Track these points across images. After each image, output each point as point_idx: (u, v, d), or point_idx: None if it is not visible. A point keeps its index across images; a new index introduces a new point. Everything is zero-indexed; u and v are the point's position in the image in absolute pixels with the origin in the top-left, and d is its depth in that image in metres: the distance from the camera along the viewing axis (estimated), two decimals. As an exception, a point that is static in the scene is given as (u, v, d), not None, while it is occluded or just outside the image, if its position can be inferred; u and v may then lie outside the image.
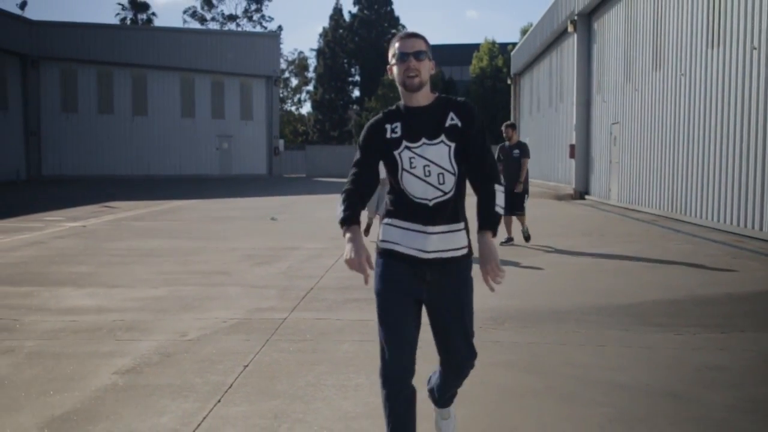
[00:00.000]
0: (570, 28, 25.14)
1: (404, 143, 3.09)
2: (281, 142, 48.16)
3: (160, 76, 42.59)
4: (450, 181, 3.07)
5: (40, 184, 35.43)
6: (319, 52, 76.90)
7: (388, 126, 3.15)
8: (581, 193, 24.55)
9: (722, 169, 13.74)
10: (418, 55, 3.09)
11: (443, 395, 3.39)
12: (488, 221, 3.07)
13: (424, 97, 3.14)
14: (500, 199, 3.12)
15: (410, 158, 3.08)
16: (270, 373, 4.94)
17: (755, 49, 12.44)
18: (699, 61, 14.97)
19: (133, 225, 15.64)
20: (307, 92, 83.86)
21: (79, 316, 6.71)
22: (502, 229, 11.05)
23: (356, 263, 2.94)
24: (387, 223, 3.17)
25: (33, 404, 4.34)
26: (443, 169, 3.07)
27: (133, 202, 22.69)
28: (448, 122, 3.10)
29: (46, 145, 39.49)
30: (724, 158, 13.68)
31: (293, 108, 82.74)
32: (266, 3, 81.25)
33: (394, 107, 3.23)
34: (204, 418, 4.13)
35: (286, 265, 9.85)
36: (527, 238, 11.76)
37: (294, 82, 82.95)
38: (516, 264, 9.77)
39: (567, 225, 15.44)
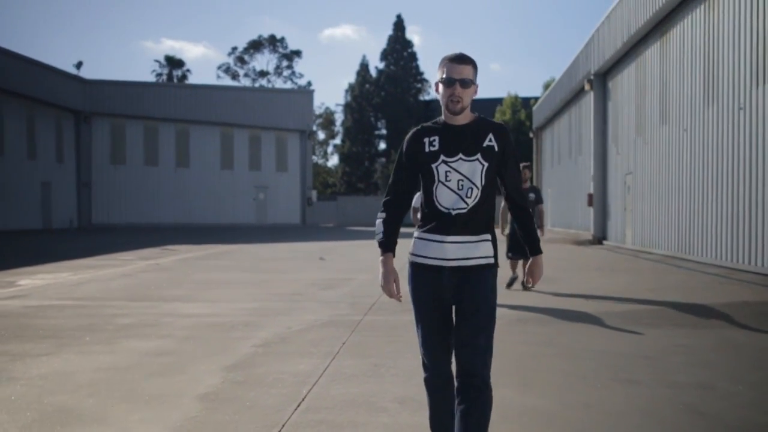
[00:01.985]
0: (587, 87, 27.38)
1: (442, 157, 3.35)
2: (314, 192, 50.57)
3: (201, 130, 45.34)
4: (475, 196, 3.32)
5: (92, 231, 37.86)
6: (347, 106, 79.70)
7: (426, 139, 3.39)
8: (599, 238, 26.46)
9: (718, 212, 15.68)
10: (463, 83, 3.33)
11: None
12: (533, 247, 3.57)
13: (464, 117, 3.40)
14: (529, 224, 3.58)
15: (446, 171, 3.33)
16: (362, 347, 6.97)
17: (741, 108, 14.51)
18: (698, 118, 17.04)
19: (199, 263, 17.78)
20: (334, 145, 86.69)
21: (201, 319, 8.79)
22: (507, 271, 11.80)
23: (386, 290, 3.49)
24: (415, 237, 3.47)
25: (207, 360, 6.40)
26: (473, 184, 3.32)
27: (188, 246, 24.89)
28: (486, 143, 3.36)
29: (97, 195, 42.14)
30: (720, 203, 15.64)
31: (320, 160, 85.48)
32: (297, 60, 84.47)
33: (433, 122, 3.49)
34: (328, 365, 6.17)
35: (348, 289, 11.91)
36: (527, 288, 11.00)
37: (321, 135, 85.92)
38: (529, 288, 11.74)
39: (583, 264, 17.40)
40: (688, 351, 6.73)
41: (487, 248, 3.38)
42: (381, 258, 3.49)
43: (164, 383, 5.59)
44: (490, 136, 3.36)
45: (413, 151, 3.42)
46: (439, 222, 3.34)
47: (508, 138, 3.41)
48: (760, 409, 4.89)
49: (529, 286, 3.67)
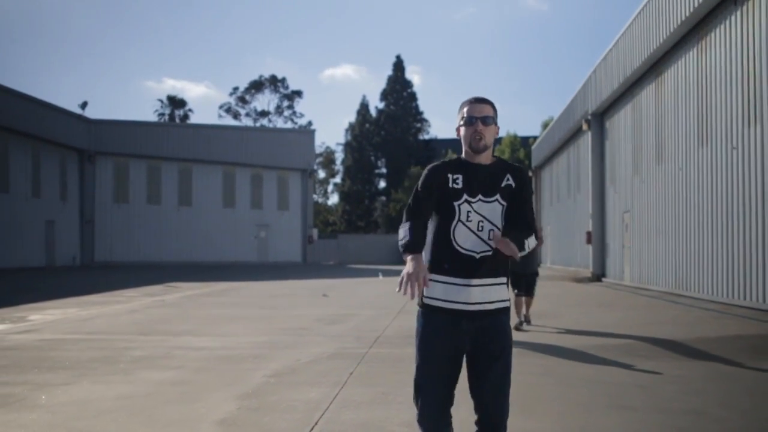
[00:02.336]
0: (584, 127, 27.88)
1: (465, 196, 3.30)
2: (315, 231, 50.95)
3: (203, 169, 45.86)
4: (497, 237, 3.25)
5: (95, 269, 38.13)
6: (347, 146, 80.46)
7: (450, 175, 3.34)
8: (598, 275, 26.76)
9: (714, 249, 16.02)
10: (485, 120, 3.33)
11: None
12: (512, 236, 3.24)
13: (486, 158, 3.37)
14: (531, 243, 3.34)
15: (468, 212, 3.28)
16: (369, 377, 7.26)
17: (734, 148, 14.92)
18: (692, 158, 17.46)
19: (203, 300, 18.05)
20: (334, 184, 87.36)
21: (211, 352, 9.07)
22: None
23: (414, 275, 3.12)
24: (430, 280, 3.30)
25: (221, 390, 6.69)
26: (494, 225, 3.28)
27: (191, 283, 25.14)
28: (504, 182, 3.33)
29: (99, 233, 42.49)
30: (715, 240, 15.98)
31: (320, 199, 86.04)
32: (297, 100, 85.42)
33: (455, 158, 3.44)
34: (337, 393, 6.46)
35: (352, 324, 12.20)
36: (528, 321, 11.65)
37: (321, 174, 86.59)
38: (528, 322, 12.03)
39: (582, 300, 17.69)
40: (680, 380, 7.02)
41: (504, 291, 3.35)
42: (410, 257, 3.21)
43: (182, 410, 5.87)
44: (508, 175, 3.34)
45: (434, 184, 3.34)
46: (461, 264, 3.26)
47: (525, 178, 3.40)
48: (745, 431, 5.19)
49: (504, 249, 3.21)
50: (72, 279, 28.16)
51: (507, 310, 3.37)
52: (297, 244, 49.17)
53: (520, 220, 3.35)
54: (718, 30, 15.83)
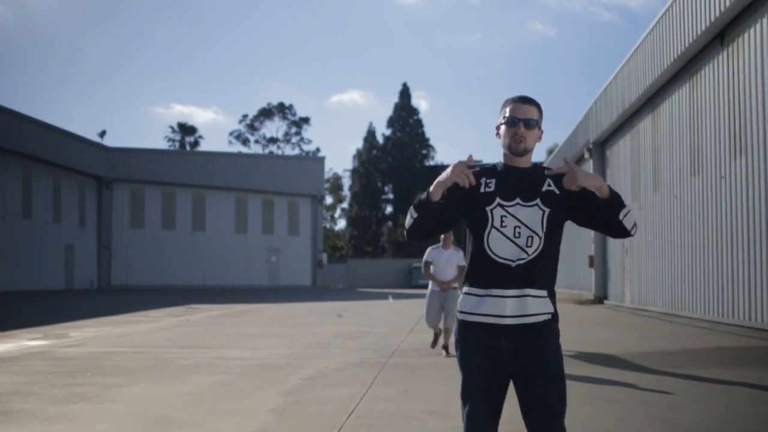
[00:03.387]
0: (586, 155, 29.08)
1: (498, 200, 3.06)
2: (324, 255, 52.13)
3: (216, 195, 47.19)
4: (536, 245, 3.03)
5: (112, 292, 39.30)
6: (354, 172, 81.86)
7: (483, 179, 3.11)
8: (600, 298, 27.80)
9: (705, 272, 17.08)
10: (528, 123, 3.09)
11: None
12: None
13: (526, 162, 3.15)
14: (630, 214, 3.07)
15: (502, 216, 3.04)
16: (392, 380, 8.36)
17: (723, 178, 16.06)
18: (686, 186, 18.59)
19: (226, 320, 19.16)
20: (342, 209, 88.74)
21: (248, 361, 10.17)
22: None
23: (458, 168, 2.97)
24: (465, 293, 3.12)
25: (265, 389, 7.79)
26: (533, 232, 3.03)
27: (210, 305, 26.27)
28: (545, 188, 3.09)
29: (116, 258, 43.78)
30: (706, 263, 17.05)
31: (328, 224, 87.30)
32: (305, 126, 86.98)
33: (491, 165, 3.22)
34: (366, 391, 7.56)
35: (370, 339, 13.30)
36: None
37: (329, 199, 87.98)
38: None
39: (583, 320, 18.75)
40: (663, 382, 8.11)
41: (547, 304, 3.07)
42: (436, 181, 3.06)
43: (237, 403, 6.98)
44: (549, 181, 3.10)
45: (468, 187, 3.04)
46: (495, 274, 3.03)
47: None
48: (711, 419, 6.27)
49: (571, 176, 2.98)
50: (93, 301, 29.30)
51: (552, 325, 3.08)
52: (307, 268, 50.35)
53: (596, 216, 3.11)
54: (707, 68, 17.02)
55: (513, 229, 3.03)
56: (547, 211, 3.06)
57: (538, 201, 3.06)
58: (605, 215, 3.04)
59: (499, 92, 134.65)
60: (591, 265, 28.58)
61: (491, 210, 3.06)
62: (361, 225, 79.80)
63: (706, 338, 13.08)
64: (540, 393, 2.99)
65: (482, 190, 3.09)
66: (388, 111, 79.30)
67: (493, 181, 3.11)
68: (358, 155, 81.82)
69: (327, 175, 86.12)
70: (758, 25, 14.40)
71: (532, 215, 3.04)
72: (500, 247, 3.03)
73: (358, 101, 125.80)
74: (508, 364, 3.02)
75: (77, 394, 7.47)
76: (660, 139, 20.79)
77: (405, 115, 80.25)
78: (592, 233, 28.44)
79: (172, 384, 8.16)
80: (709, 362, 9.88)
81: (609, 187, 3.00)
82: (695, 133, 17.89)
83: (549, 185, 3.09)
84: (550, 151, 60.26)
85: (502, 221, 3.04)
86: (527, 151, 3.12)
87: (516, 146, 3.09)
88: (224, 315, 20.97)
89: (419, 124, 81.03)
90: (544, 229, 3.04)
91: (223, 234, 47.29)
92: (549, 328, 3.07)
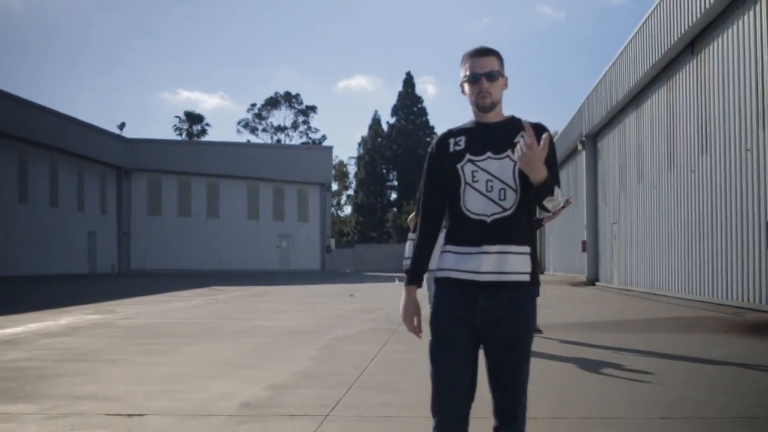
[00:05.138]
0: (579, 147, 31.11)
1: (467, 156, 3.01)
2: (332, 241, 54.35)
3: (230, 184, 49.39)
4: (511, 198, 2.95)
5: (132, 276, 41.51)
6: (359, 159, 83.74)
7: (451, 140, 3.07)
8: (592, 280, 29.88)
9: (679, 255, 19.15)
10: (490, 76, 3.01)
11: None
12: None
13: (496, 115, 3.07)
14: (557, 199, 2.94)
15: (473, 171, 2.99)
16: (402, 340, 10.44)
17: (693, 172, 18.11)
18: (663, 178, 20.64)
19: (250, 299, 21.27)
20: (348, 196, 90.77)
21: (281, 329, 12.27)
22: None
23: (406, 322, 3.14)
24: (443, 251, 3.08)
25: (302, 346, 9.87)
26: (505, 184, 2.95)
27: (230, 287, 28.40)
28: (518, 138, 2.91)
29: (135, 244, 46.06)
30: (681, 247, 19.11)
31: (334, 211, 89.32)
32: (312, 114, 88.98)
33: (462, 124, 3.15)
34: (382, 346, 9.64)
35: (381, 313, 15.40)
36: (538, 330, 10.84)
37: (335, 186, 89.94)
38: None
39: (573, 298, 20.84)
40: (622, 339, 10.21)
41: (527, 262, 2.97)
42: (404, 289, 3.13)
43: (282, 354, 9.09)
44: (523, 132, 2.90)
45: (438, 158, 3.09)
46: (471, 231, 2.97)
47: (544, 133, 2.91)
48: (649, 365, 8.35)
49: (525, 150, 2.81)
50: (121, 284, 31.46)
51: (530, 288, 3.00)
52: (316, 254, 52.60)
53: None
54: (680, 74, 19.03)
55: (485, 184, 2.98)
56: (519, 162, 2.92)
57: (509, 152, 2.96)
58: (533, 193, 2.94)
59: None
60: (583, 249, 30.64)
61: (462, 167, 3.01)
62: (367, 212, 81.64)
63: (670, 311, 15.18)
64: (513, 362, 2.96)
65: (452, 149, 3.06)
66: (395, 96, 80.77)
67: (463, 138, 3.07)
68: (364, 143, 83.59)
69: (333, 162, 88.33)
70: (722, 37, 16.40)
71: (504, 168, 2.97)
72: (473, 203, 2.98)
73: (365, 87, 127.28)
74: (480, 321, 2.95)
75: (154, 350, 9.57)
76: (643, 136, 22.80)
77: (409, 103, 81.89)
78: (585, 220, 30.50)
79: (225, 344, 10.26)
80: (665, 327, 11.98)
81: (548, 176, 2.86)
82: (671, 132, 19.91)
83: (522, 136, 2.90)
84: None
85: (473, 176, 2.99)
86: (495, 105, 3.05)
87: (483, 102, 3.03)
88: (246, 295, 23.08)
89: (423, 112, 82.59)
90: (517, 182, 2.95)
91: (236, 221, 49.49)
92: (526, 289, 2.98)
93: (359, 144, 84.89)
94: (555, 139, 41.37)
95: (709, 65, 17.17)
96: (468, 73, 3.05)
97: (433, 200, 3.12)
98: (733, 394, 6.51)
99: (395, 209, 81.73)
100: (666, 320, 13.43)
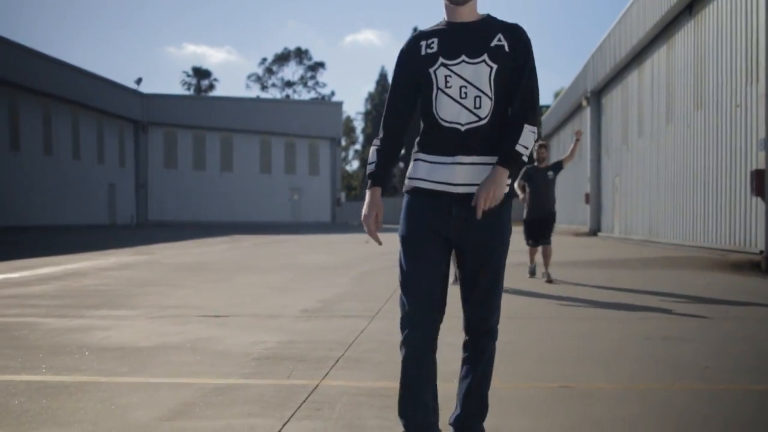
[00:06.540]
0: (584, 103, 32.29)
1: (440, 60, 2.81)
2: (342, 194, 55.79)
3: (243, 138, 50.67)
4: (486, 106, 2.80)
5: (151, 227, 43.05)
6: (367, 114, 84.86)
7: (423, 42, 2.86)
8: (594, 231, 31.29)
9: (674, 204, 20.52)
10: None
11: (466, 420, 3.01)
12: (504, 157, 2.78)
13: (470, 13, 2.87)
14: (526, 139, 2.79)
15: (446, 76, 2.80)
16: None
17: (689, 126, 19.39)
18: (662, 133, 21.93)
19: (272, 246, 22.69)
20: (355, 151, 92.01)
21: (312, 265, 13.68)
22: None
23: (365, 223, 2.97)
24: (415, 159, 2.95)
25: (336, 277, 11.31)
26: (481, 91, 2.79)
27: (250, 236, 29.87)
28: (495, 42, 2.79)
29: (152, 196, 47.57)
30: (675, 197, 20.48)
31: (342, 165, 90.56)
32: (321, 70, 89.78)
33: (434, 25, 2.94)
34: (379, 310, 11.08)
35: (396, 255, 16.82)
36: (549, 279, 10.63)
37: (342, 141, 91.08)
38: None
39: (575, 246, 22.26)
40: (612, 276, 11.64)
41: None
42: (368, 191, 3.01)
43: (322, 281, 10.53)
44: (500, 35, 2.80)
45: (408, 60, 2.91)
46: (445, 139, 2.83)
47: (522, 39, 2.83)
48: (639, 300, 9.78)
49: (485, 206, 2.76)
50: (144, 233, 32.96)
51: (506, 196, 2.86)
52: (326, 206, 54.10)
53: (516, 95, 2.84)
54: (679, 33, 20.20)
55: (459, 90, 2.80)
56: (495, 67, 2.79)
57: (485, 57, 2.80)
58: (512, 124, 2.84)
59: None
60: (587, 201, 32.01)
61: (434, 71, 2.83)
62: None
63: (658, 253, 16.63)
64: (488, 275, 2.91)
65: (423, 52, 2.86)
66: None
67: (436, 40, 2.86)
68: (371, 98, 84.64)
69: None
70: (718, 0, 17.55)
71: (479, 73, 2.79)
72: (446, 110, 2.82)
73: (373, 41, 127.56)
74: (454, 230, 2.87)
75: (206, 279, 11.04)
76: (644, 92, 24.01)
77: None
78: (588, 173, 31.83)
79: (267, 276, 11.72)
80: (651, 264, 13.42)
81: (512, 164, 2.81)
82: (670, 88, 21.13)
83: (499, 40, 2.81)
84: (556, 94, 63.16)
85: (446, 82, 2.81)
86: (468, 0, 2.83)
87: None
88: (268, 242, 24.54)
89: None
90: (493, 89, 2.80)
91: (249, 174, 50.89)
92: (504, 201, 2.86)
93: (366, 99, 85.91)
94: (561, 95, 42.56)
95: (706, 26, 18.33)
96: None
97: (398, 103, 2.97)
98: (713, 319, 7.96)
99: (401, 164, 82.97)
100: (659, 259, 14.87)
